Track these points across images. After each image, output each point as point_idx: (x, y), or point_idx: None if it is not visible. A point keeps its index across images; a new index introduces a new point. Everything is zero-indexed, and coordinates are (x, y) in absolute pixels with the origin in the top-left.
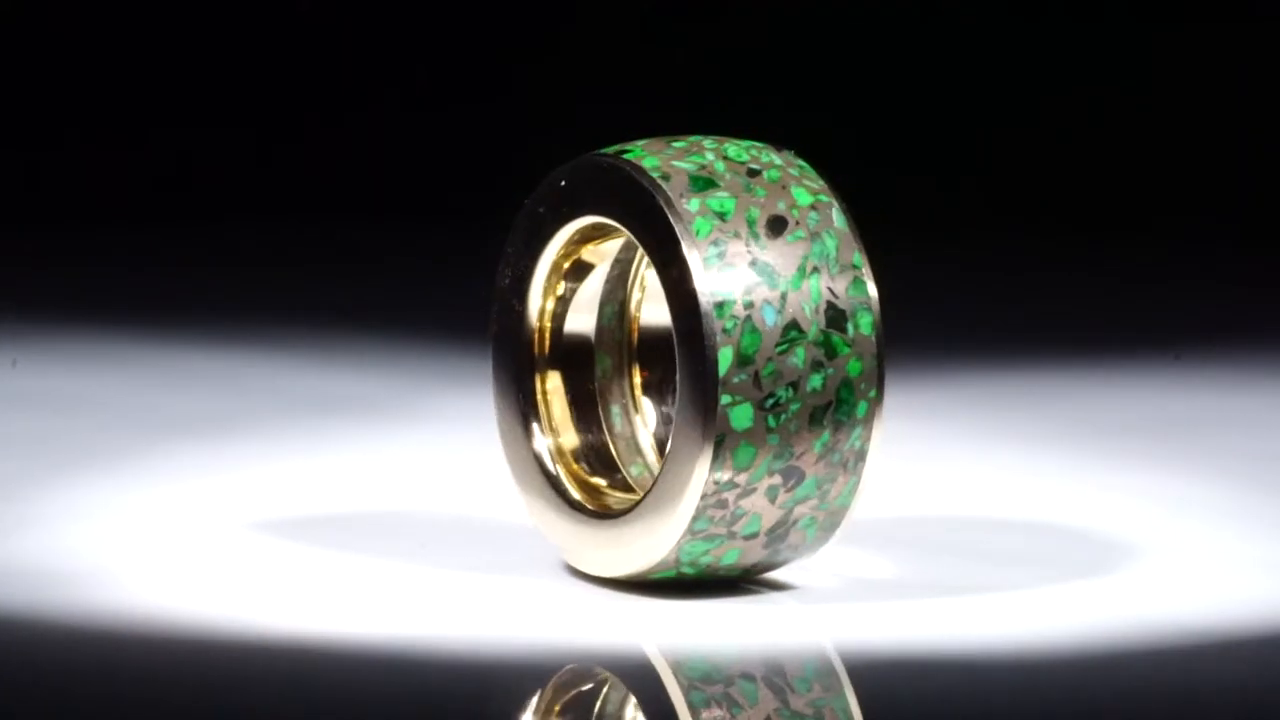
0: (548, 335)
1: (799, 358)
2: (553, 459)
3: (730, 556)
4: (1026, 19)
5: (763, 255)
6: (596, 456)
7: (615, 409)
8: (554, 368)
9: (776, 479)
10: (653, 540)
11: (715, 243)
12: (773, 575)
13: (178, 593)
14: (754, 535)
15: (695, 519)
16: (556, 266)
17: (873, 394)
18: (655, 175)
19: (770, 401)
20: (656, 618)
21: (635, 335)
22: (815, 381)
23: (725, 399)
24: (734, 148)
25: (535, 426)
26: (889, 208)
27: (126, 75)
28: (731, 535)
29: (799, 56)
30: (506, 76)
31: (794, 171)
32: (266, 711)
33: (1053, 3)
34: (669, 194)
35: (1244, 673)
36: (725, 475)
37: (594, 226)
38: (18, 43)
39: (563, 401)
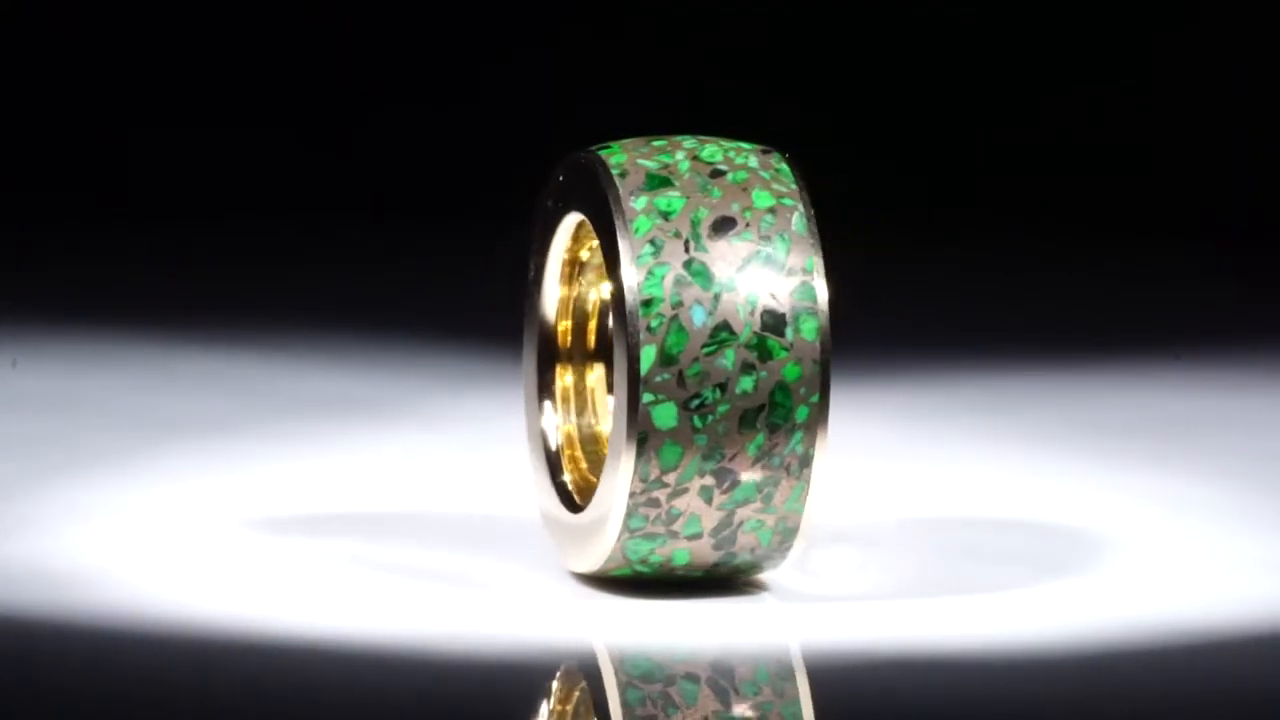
0: (569, 328)
1: (728, 359)
2: (557, 447)
3: (681, 557)
4: (1026, 19)
5: (700, 256)
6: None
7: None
8: (574, 360)
9: (709, 480)
10: (598, 538)
11: (652, 241)
12: (769, 576)
13: (178, 593)
14: (697, 536)
15: (629, 516)
16: (572, 259)
17: (814, 399)
18: (615, 172)
19: (695, 402)
20: (635, 616)
21: None
22: (746, 384)
23: (648, 397)
24: (712, 149)
25: (545, 416)
26: (889, 207)
27: (127, 75)
28: (673, 535)
29: (799, 56)
30: (507, 76)
31: (765, 175)
32: (266, 711)
33: (1053, 3)
34: (620, 191)
35: (1244, 673)
36: (653, 474)
37: (581, 222)
38: (17, 43)
39: (575, 393)
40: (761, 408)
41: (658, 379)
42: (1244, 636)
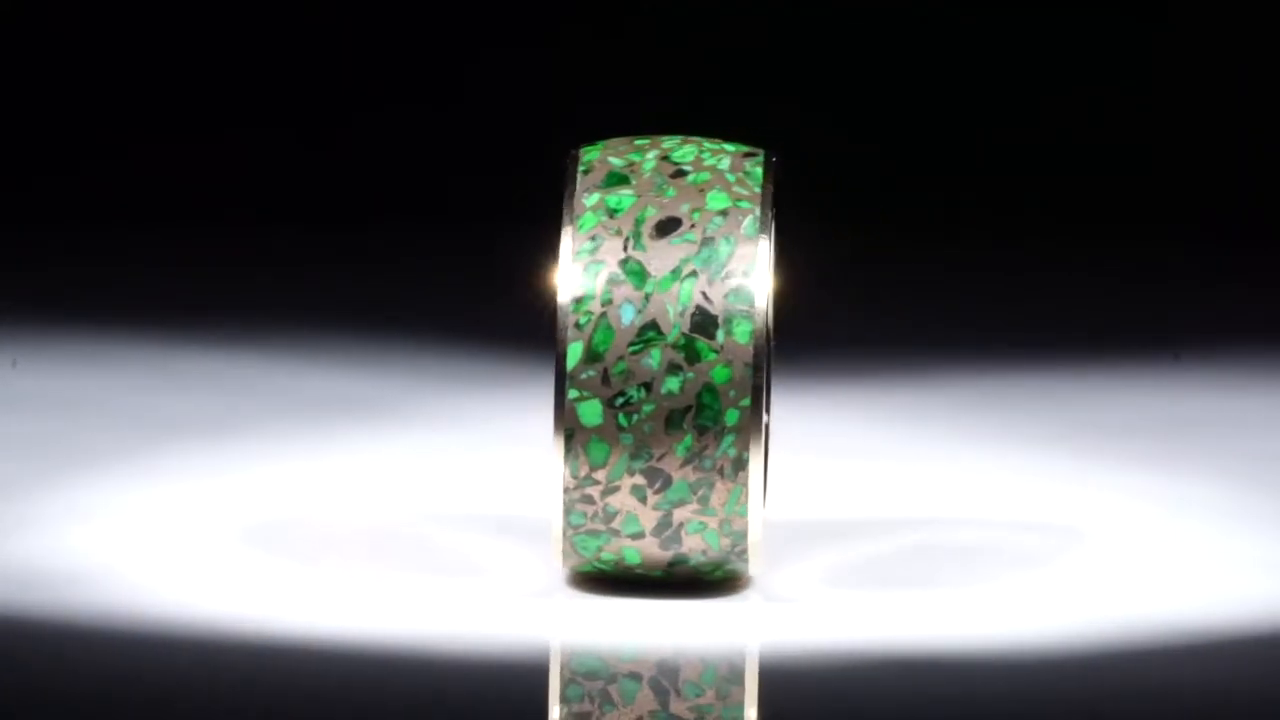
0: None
1: (654, 359)
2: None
3: (631, 556)
4: (1026, 19)
5: (637, 254)
6: None
7: None
8: None
9: (639, 479)
10: (555, 534)
11: (593, 238)
12: (773, 575)
13: (178, 593)
14: (639, 535)
15: (568, 513)
16: None
17: (745, 402)
18: (581, 169)
19: (620, 400)
20: (610, 614)
21: None
22: (671, 384)
23: (573, 394)
24: (690, 149)
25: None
26: (888, 207)
27: (126, 76)
28: (615, 533)
29: (798, 56)
30: (507, 76)
31: (731, 177)
32: (265, 711)
33: (1053, 3)
34: (577, 187)
35: (1244, 673)
36: (582, 470)
37: None
38: (17, 43)
39: None
40: (688, 409)
41: (583, 376)
42: (1244, 636)
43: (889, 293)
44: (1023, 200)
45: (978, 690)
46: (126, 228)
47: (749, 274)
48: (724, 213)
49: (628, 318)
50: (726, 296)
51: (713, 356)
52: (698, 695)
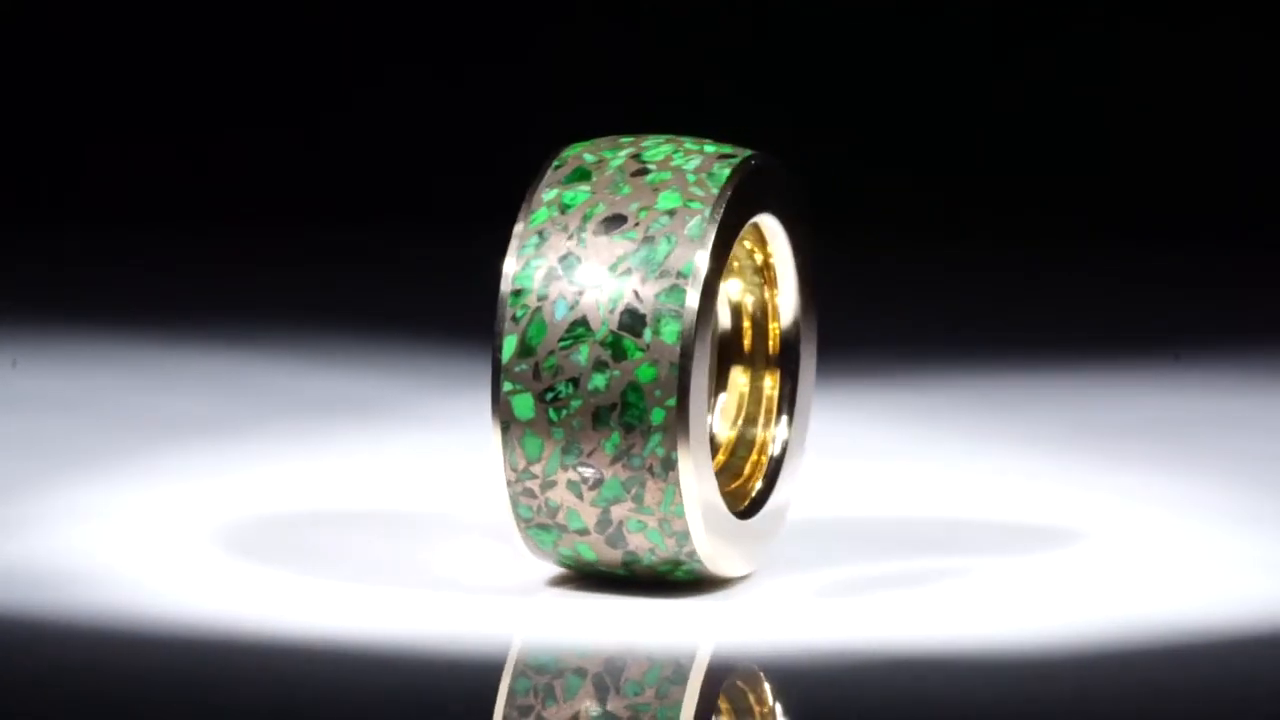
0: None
1: (582, 355)
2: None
3: (586, 553)
4: (1026, 19)
5: (578, 250)
6: None
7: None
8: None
9: (573, 475)
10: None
11: (541, 232)
12: (773, 575)
13: (178, 593)
14: (584, 531)
15: (515, 505)
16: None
17: (671, 402)
18: (556, 163)
19: (550, 395)
20: (588, 611)
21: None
22: (598, 381)
23: (508, 386)
24: (664, 148)
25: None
26: (888, 207)
27: (126, 75)
28: (562, 528)
29: (799, 56)
30: (506, 76)
31: (693, 178)
32: (264, 711)
33: (1053, 3)
34: (542, 181)
35: (1244, 673)
36: (520, 463)
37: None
38: (17, 43)
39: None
40: (614, 406)
41: (517, 369)
42: (1244, 636)
43: (887, 293)
44: (1023, 200)
45: (978, 690)
46: (126, 228)
47: (686, 275)
48: (672, 212)
49: (560, 313)
50: (658, 296)
51: (639, 355)
52: (637, 694)
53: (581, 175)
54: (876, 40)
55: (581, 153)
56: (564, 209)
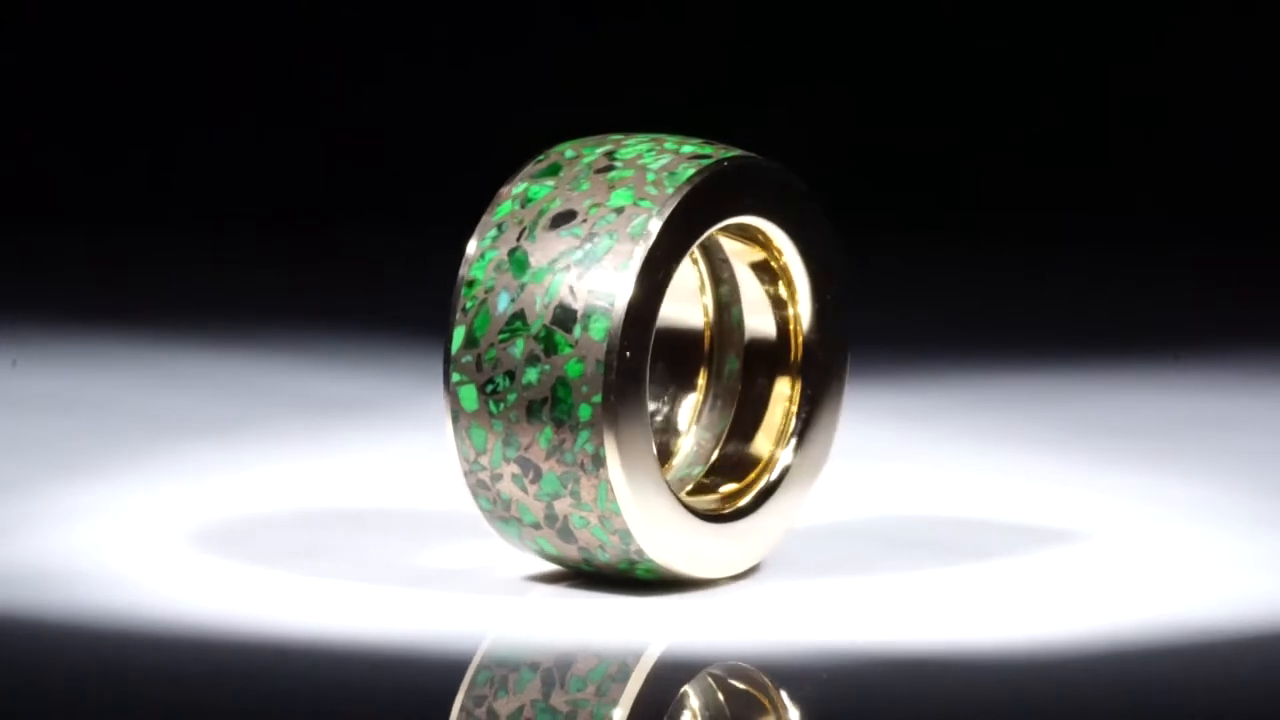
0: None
1: (518, 349)
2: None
3: (546, 547)
4: (1026, 19)
5: (526, 245)
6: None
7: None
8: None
9: (515, 468)
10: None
11: (500, 226)
12: (773, 574)
13: (178, 593)
14: (536, 526)
15: (475, 496)
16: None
17: (597, 399)
18: (540, 159)
19: (490, 387)
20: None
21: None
22: (531, 375)
23: (455, 377)
24: (639, 147)
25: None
26: (887, 207)
27: (125, 75)
28: (520, 521)
29: (800, 57)
30: (505, 76)
31: (651, 176)
32: (263, 711)
33: (1053, 2)
34: (518, 176)
35: (1244, 673)
36: (470, 454)
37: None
38: (17, 45)
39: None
40: (545, 400)
41: (463, 360)
42: (1244, 636)
43: (887, 293)
44: (1024, 200)
45: (978, 690)
46: (126, 228)
47: (618, 271)
48: (619, 210)
49: (501, 306)
50: (590, 292)
51: (568, 350)
52: (579, 690)
53: (552, 170)
54: (877, 40)
55: (566, 149)
56: (525, 203)
